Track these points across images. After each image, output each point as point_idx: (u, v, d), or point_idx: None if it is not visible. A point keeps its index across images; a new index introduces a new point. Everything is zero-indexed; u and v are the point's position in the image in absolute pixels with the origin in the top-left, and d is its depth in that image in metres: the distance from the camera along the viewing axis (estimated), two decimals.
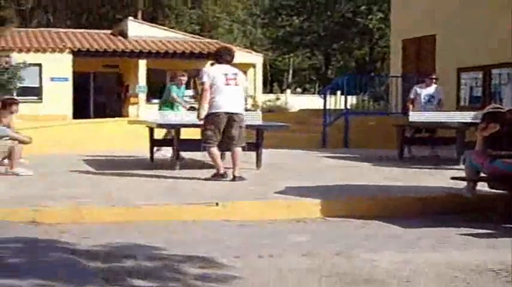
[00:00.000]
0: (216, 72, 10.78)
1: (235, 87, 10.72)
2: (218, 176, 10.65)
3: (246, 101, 11.35)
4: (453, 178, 9.00)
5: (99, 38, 32.79)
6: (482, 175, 8.67)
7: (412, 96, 15.98)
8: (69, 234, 7.11)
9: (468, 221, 8.00)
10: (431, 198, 8.91)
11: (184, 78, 15.36)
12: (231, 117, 10.65)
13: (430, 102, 15.60)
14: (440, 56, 21.48)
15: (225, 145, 10.98)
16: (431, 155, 15.16)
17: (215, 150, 10.74)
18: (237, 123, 10.68)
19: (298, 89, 59.82)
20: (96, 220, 7.82)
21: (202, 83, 10.77)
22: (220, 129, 10.69)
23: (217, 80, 10.65)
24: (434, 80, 15.91)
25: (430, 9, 21.78)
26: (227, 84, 10.66)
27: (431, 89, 15.77)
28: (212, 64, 11.26)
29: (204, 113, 10.77)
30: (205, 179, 10.65)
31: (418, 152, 15.26)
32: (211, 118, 10.67)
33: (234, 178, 10.58)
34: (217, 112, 10.63)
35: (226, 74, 10.71)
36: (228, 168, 10.92)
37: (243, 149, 11.01)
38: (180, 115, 13.77)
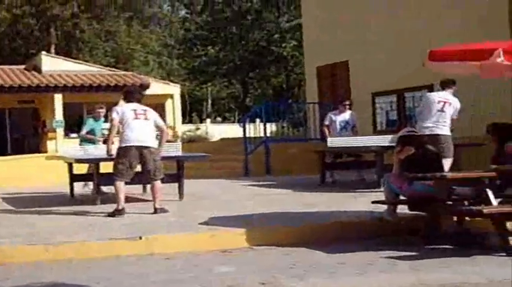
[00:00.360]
0: (125, 108, 10.88)
1: (144, 121, 10.77)
2: (116, 211, 10.49)
3: (162, 133, 11.25)
4: (374, 202, 9.12)
5: (12, 74, 32.23)
6: (401, 197, 8.82)
7: (327, 122, 16.12)
8: None
9: (391, 244, 8.09)
10: (353, 223, 8.99)
11: (102, 111, 15.17)
12: (142, 151, 10.64)
13: (345, 128, 15.75)
14: (354, 81, 21.85)
15: (144, 179, 11.01)
16: (357, 179, 15.28)
17: (121, 184, 10.67)
18: (149, 156, 10.66)
19: (218, 118, 59.93)
20: (18, 259, 7.66)
21: (112, 120, 10.86)
22: (132, 163, 10.69)
23: (127, 115, 10.73)
24: (347, 106, 16.10)
25: (341, 36, 22.14)
26: (136, 118, 10.73)
27: (346, 115, 15.95)
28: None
29: (112, 148, 10.91)
30: (108, 215, 10.45)
31: (343, 177, 15.43)
32: (123, 152, 10.69)
33: (156, 211, 10.55)
34: (127, 146, 10.66)
35: (135, 110, 10.81)
36: (149, 200, 10.87)
37: (162, 181, 10.97)
38: (98, 149, 13.64)
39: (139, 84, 31.89)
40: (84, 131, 15.03)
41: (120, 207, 10.53)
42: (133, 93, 11.23)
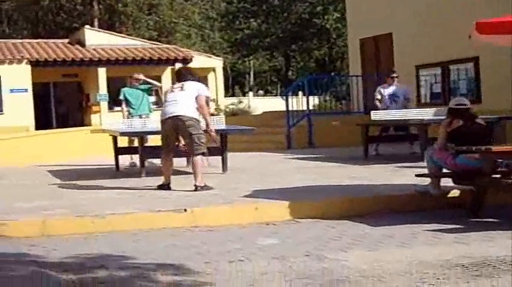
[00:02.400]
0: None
1: (179, 92, 10.44)
2: (160, 186, 10.52)
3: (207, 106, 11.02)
4: (418, 175, 9.08)
5: (56, 48, 32.54)
6: (445, 170, 8.76)
7: (378, 96, 16.02)
8: (39, 247, 7.06)
9: (435, 217, 8.07)
10: (397, 196, 8.97)
11: (137, 76, 15.23)
12: (175, 123, 10.30)
13: (395, 101, 15.63)
14: (398, 53, 21.67)
15: (182, 152, 10.94)
16: (409, 152, 15.18)
17: (163, 158, 10.56)
18: (183, 129, 10.26)
19: (261, 91, 59.87)
20: (65, 231, 7.76)
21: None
22: (169, 136, 10.46)
23: (166, 93, 10.78)
24: (395, 79, 15.99)
25: (385, 8, 21.97)
26: (171, 91, 10.61)
27: (393, 88, 15.87)
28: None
29: None
30: (157, 188, 10.51)
31: (386, 150, 15.36)
32: (161, 125, 10.60)
33: (196, 188, 10.12)
34: (162, 119, 10.53)
35: (173, 86, 10.85)
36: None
37: (204, 154, 10.53)
38: (143, 122, 13.74)
39: (182, 57, 32.02)
40: (122, 102, 15.18)
41: (165, 181, 10.52)
42: (183, 75, 10.94)
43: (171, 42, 43.89)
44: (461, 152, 8.38)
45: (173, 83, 11.15)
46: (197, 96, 10.42)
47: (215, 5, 59.78)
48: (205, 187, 10.14)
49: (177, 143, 10.67)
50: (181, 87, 10.51)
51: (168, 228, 7.94)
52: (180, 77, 10.94)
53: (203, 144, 10.34)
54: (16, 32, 50.78)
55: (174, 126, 10.34)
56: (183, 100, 10.36)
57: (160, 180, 10.66)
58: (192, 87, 10.52)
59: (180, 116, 10.25)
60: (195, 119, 10.35)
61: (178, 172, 11.96)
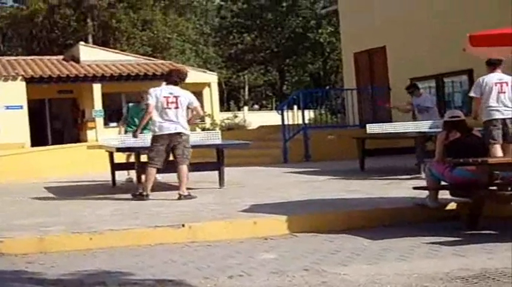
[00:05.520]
0: (159, 93, 11.06)
1: (175, 110, 10.95)
2: (139, 196, 11.01)
3: (202, 119, 11.52)
4: (415, 188, 9.09)
5: (51, 64, 32.55)
6: (443, 183, 8.77)
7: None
8: (36, 264, 7.05)
9: (433, 230, 8.07)
10: (395, 209, 8.97)
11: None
12: (173, 138, 10.90)
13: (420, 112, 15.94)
14: (392, 67, 21.73)
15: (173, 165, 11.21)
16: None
17: (153, 171, 11.03)
18: (180, 143, 10.91)
19: (256, 106, 59.91)
20: (62, 248, 7.74)
21: (147, 105, 11.14)
22: (164, 151, 10.95)
23: (160, 102, 10.98)
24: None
25: (378, 22, 22.04)
26: (168, 108, 10.94)
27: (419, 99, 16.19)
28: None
29: (139, 131, 11.69)
30: (132, 197, 11.06)
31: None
32: (156, 139, 11.02)
33: (180, 197, 10.80)
34: (161, 134, 10.96)
35: (167, 97, 11.00)
36: (193, 188, 10.95)
37: (188, 168, 11.12)
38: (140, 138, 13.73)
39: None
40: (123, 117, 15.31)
41: (144, 192, 10.98)
42: (172, 76, 11.38)
43: (166, 57, 44.00)
44: (458, 165, 8.38)
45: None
46: (193, 108, 11.17)
47: (209, 20, 60.00)
48: (188, 196, 10.75)
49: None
50: (176, 104, 10.94)
51: (166, 244, 7.92)
52: (169, 79, 11.37)
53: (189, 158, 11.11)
54: (10, 49, 50.87)
55: (170, 141, 10.90)
56: (181, 117, 10.96)
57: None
58: (184, 102, 11.06)
59: (179, 133, 10.92)
60: (189, 135, 11.15)
61: (174, 187, 11.95)
